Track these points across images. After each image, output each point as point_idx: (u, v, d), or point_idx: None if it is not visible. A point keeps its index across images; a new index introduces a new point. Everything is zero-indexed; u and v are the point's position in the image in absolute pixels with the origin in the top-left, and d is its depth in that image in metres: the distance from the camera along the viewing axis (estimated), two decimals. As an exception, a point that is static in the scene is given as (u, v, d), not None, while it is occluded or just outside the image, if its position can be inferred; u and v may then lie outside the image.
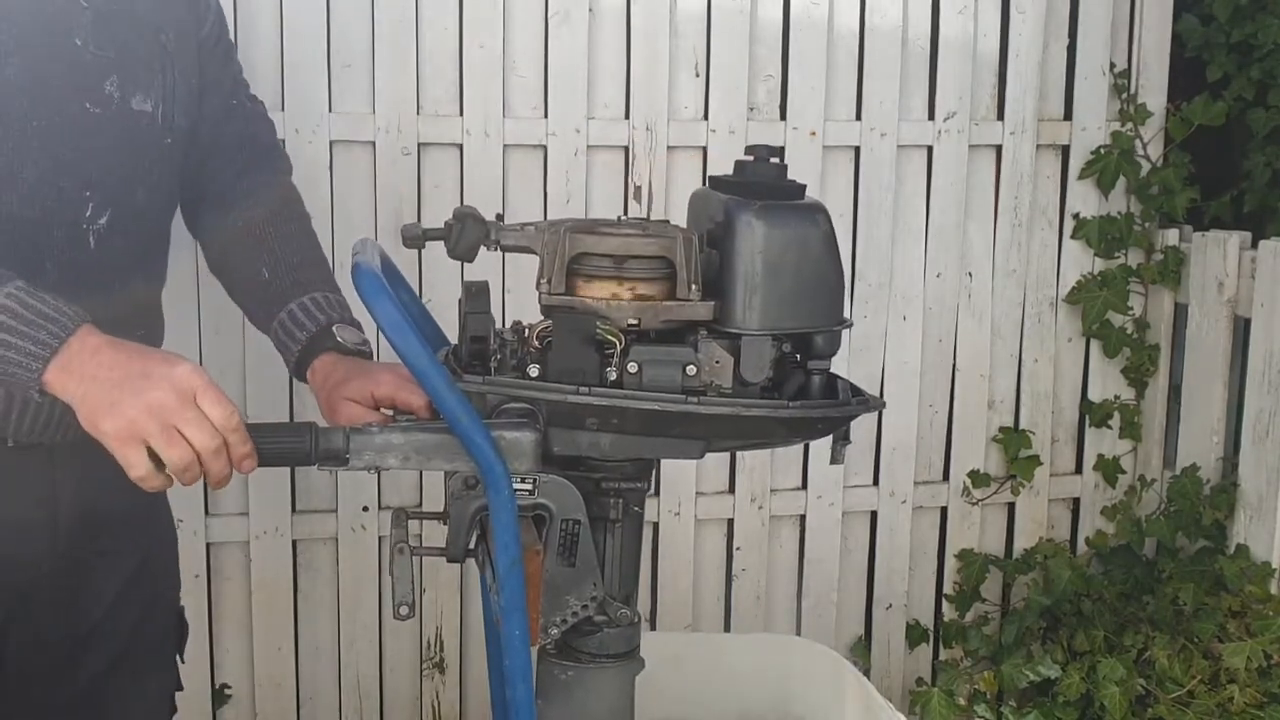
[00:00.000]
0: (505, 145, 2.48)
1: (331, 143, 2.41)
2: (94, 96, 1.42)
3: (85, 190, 1.42)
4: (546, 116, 2.50)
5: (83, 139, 1.41)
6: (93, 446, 1.23)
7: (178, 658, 1.74)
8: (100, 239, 1.44)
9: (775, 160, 1.35)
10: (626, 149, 2.55)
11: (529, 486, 1.28)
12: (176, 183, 1.60)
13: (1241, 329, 2.67)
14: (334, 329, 1.58)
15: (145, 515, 1.59)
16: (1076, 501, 2.96)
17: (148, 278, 1.58)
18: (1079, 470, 2.95)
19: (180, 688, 1.75)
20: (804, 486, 2.77)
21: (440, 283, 2.42)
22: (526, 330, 1.32)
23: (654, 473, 1.43)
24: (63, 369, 1.22)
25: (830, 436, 1.38)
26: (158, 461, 1.22)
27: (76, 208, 1.42)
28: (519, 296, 2.48)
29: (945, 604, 2.90)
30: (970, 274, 2.78)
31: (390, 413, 1.46)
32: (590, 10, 2.49)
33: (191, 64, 1.57)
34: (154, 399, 1.20)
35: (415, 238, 1.33)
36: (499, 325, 1.33)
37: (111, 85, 1.43)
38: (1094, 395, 2.91)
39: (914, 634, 2.88)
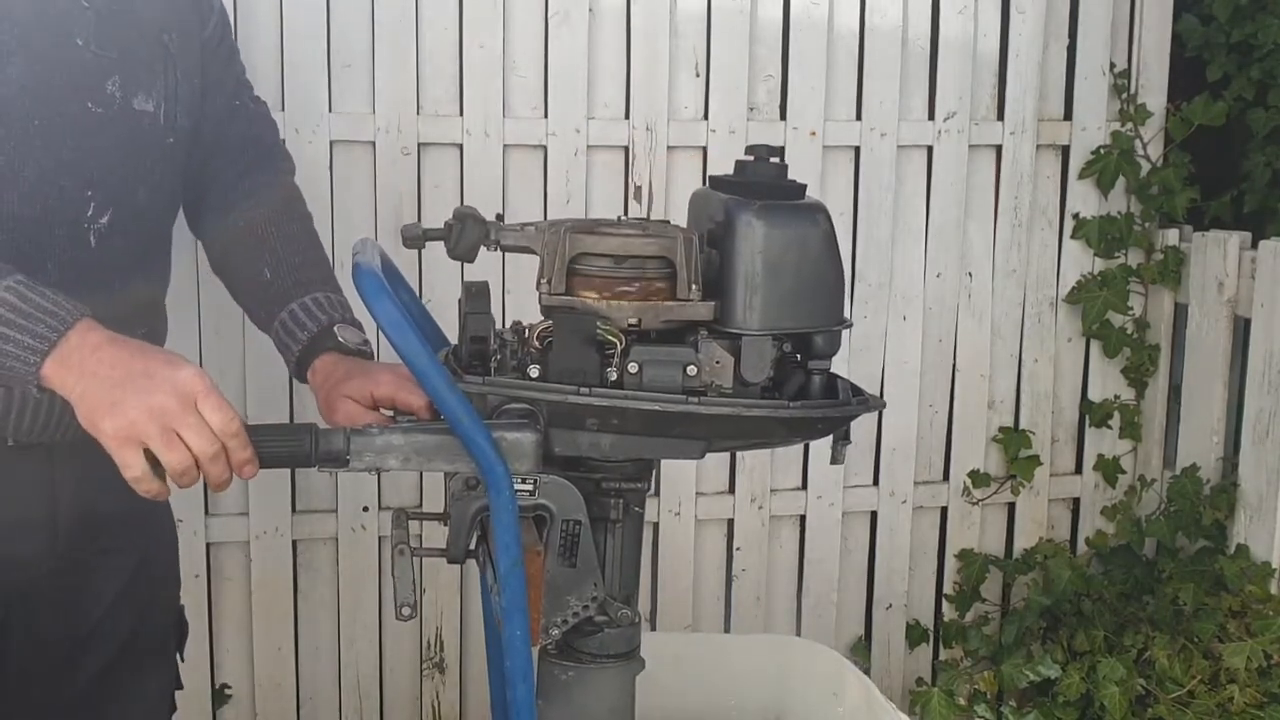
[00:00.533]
0: (505, 145, 2.48)
1: (331, 143, 2.41)
2: (96, 96, 1.42)
3: (86, 190, 1.42)
4: (546, 116, 2.50)
5: (84, 138, 1.41)
6: (92, 446, 1.22)
7: (178, 657, 1.74)
8: (101, 238, 1.44)
9: (775, 160, 1.35)
10: (626, 149, 2.55)
11: (530, 487, 1.28)
12: (179, 183, 1.60)
13: (1241, 329, 2.67)
14: (335, 329, 1.58)
15: (144, 516, 1.58)
16: (1076, 501, 2.97)
17: (149, 277, 1.57)
18: (1079, 470, 2.95)
19: (180, 686, 1.75)
20: (804, 486, 2.77)
21: (440, 283, 2.42)
22: (526, 330, 1.31)
23: (654, 473, 1.42)
24: (61, 363, 1.22)
25: (830, 436, 1.38)
26: (154, 464, 1.22)
27: (78, 207, 1.42)
28: (519, 297, 2.48)
29: (945, 604, 2.90)
30: (970, 274, 2.78)
31: (390, 413, 1.46)
32: (590, 10, 2.49)
33: (194, 64, 1.57)
34: (156, 402, 1.20)
35: (415, 238, 1.33)
36: (499, 325, 1.33)
37: (113, 85, 1.43)
38: (1094, 395, 2.91)
39: (914, 634, 2.88)
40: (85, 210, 1.42)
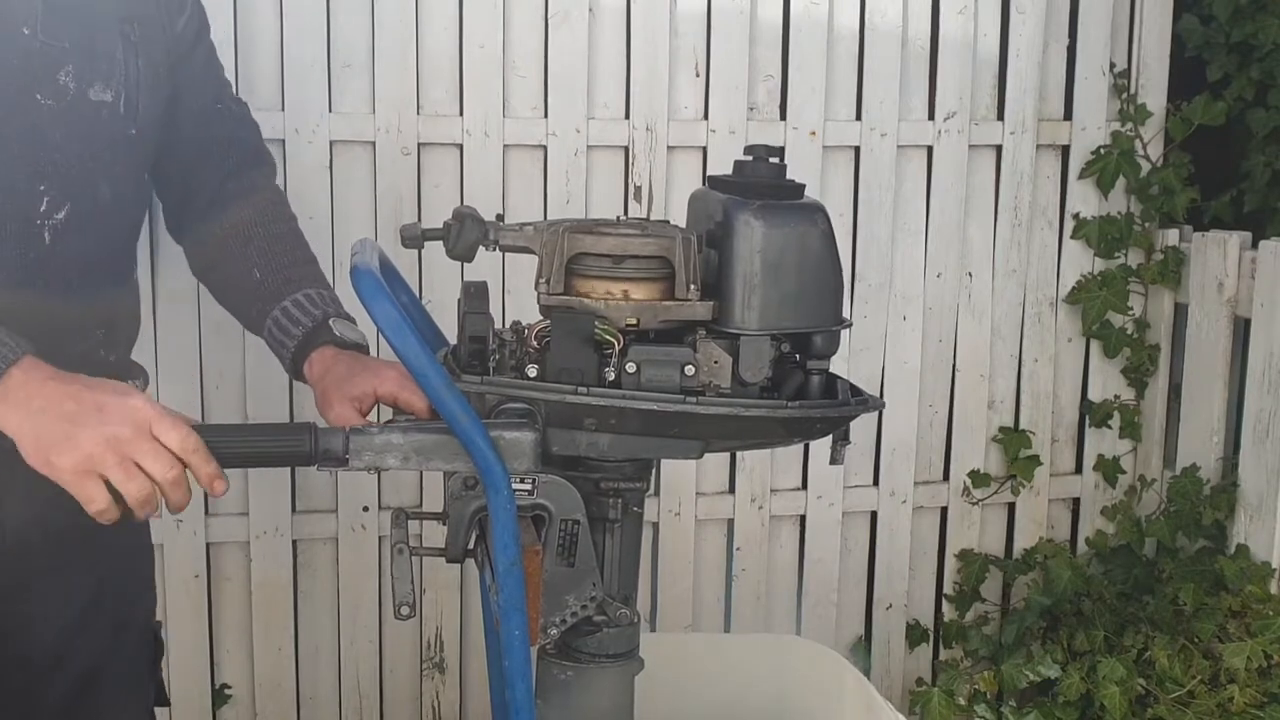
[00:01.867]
0: (505, 145, 2.48)
1: (331, 143, 2.41)
2: (46, 88, 1.37)
3: (39, 184, 1.37)
4: (546, 116, 2.50)
5: (34, 132, 1.36)
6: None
7: (160, 671, 1.68)
8: (57, 235, 1.39)
9: (774, 160, 1.35)
10: (626, 149, 2.55)
11: (528, 487, 1.28)
12: (145, 175, 1.56)
13: (1241, 329, 2.67)
14: (330, 323, 1.56)
15: (105, 532, 1.49)
16: (1076, 501, 2.96)
17: (113, 274, 1.52)
18: (1079, 470, 2.95)
19: (164, 702, 1.70)
20: (804, 486, 2.77)
21: (440, 283, 2.42)
22: (525, 330, 1.32)
23: (654, 473, 1.42)
24: (3, 401, 1.19)
25: (830, 437, 1.38)
26: (115, 494, 1.20)
27: (29, 203, 1.37)
28: (519, 297, 2.48)
29: (945, 604, 2.90)
30: (970, 274, 2.78)
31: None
32: (590, 10, 2.49)
33: (160, 55, 1.52)
34: (110, 432, 1.17)
35: (414, 238, 1.33)
36: (499, 325, 1.33)
37: (66, 76, 1.38)
38: (1094, 395, 2.91)
39: (914, 634, 2.88)
40: (38, 206, 1.37)
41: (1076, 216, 2.83)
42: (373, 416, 1.49)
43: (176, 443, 1.19)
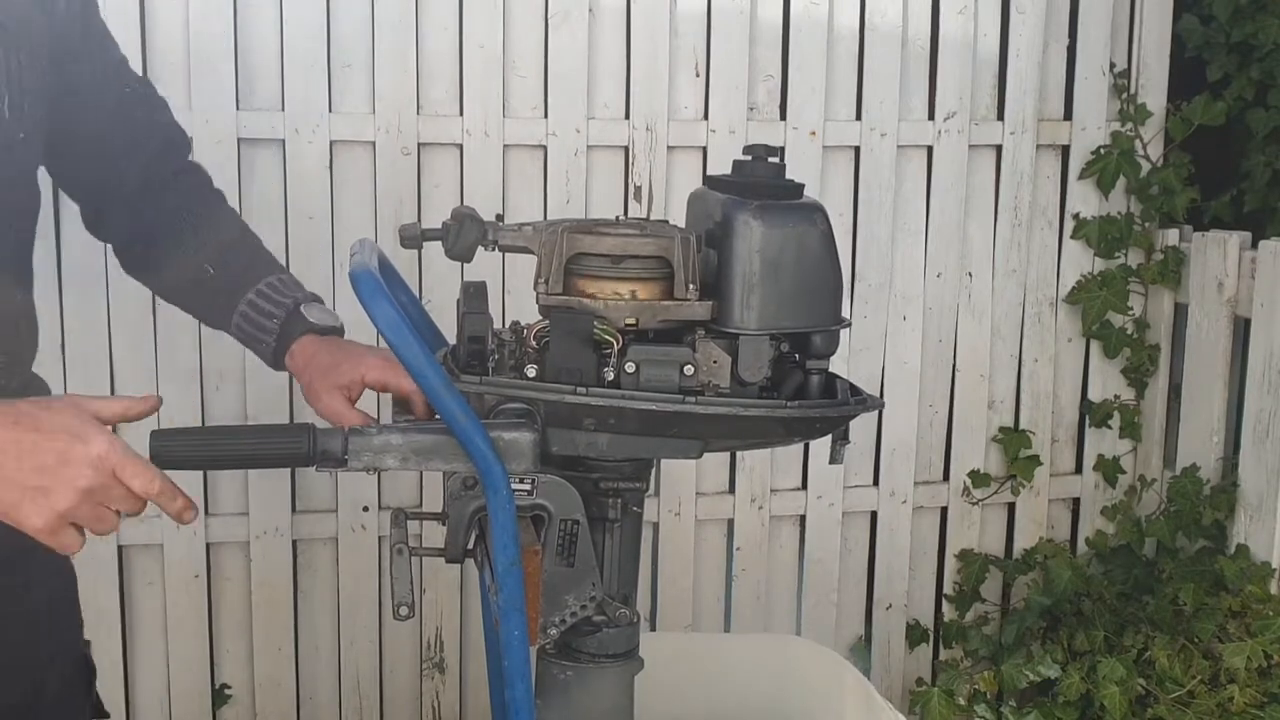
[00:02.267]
0: (505, 145, 2.48)
1: (331, 143, 2.41)
2: None
3: None
4: (546, 116, 2.50)
5: None
6: None
7: (95, 691, 1.60)
8: None
9: (773, 159, 1.35)
10: (626, 149, 2.55)
11: (527, 487, 1.27)
12: (35, 178, 1.42)
13: (1241, 329, 2.67)
14: (302, 310, 1.50)
15: (29, 568, 1.41)
16: (1076, 501, 2.96)
17: (10, 295, 1.39)
18: (1079, 470, 2.95)
19: (106, 715, 1.63)
20: (804, 486, 2.77)
21: (440, 283, 2.42)
22: (524, 330, 1.31)
23: (653, 473, 1.42)
24: None
25: (830, 436, 1.38)
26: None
27: None
28: (519, 297, 2.48)
29: (945, 604, 2.90)
30: (970, 274, 2.78)
31: (374, 417, 1.45)
32: (590, 10, 2.49)
33: (41, 41, 1.36)
34: (80, 486, 1.12)
35: (413, 238, 1.32)
36: (498, 325, 1.32)
37: None
38: (1094, 395, 2.91)
39: (914, 634, 2.88)
40: None
41: (1076, 216, 2.83)
42: (371, 409, 1.50)
43: (142, 488, 1.15)
